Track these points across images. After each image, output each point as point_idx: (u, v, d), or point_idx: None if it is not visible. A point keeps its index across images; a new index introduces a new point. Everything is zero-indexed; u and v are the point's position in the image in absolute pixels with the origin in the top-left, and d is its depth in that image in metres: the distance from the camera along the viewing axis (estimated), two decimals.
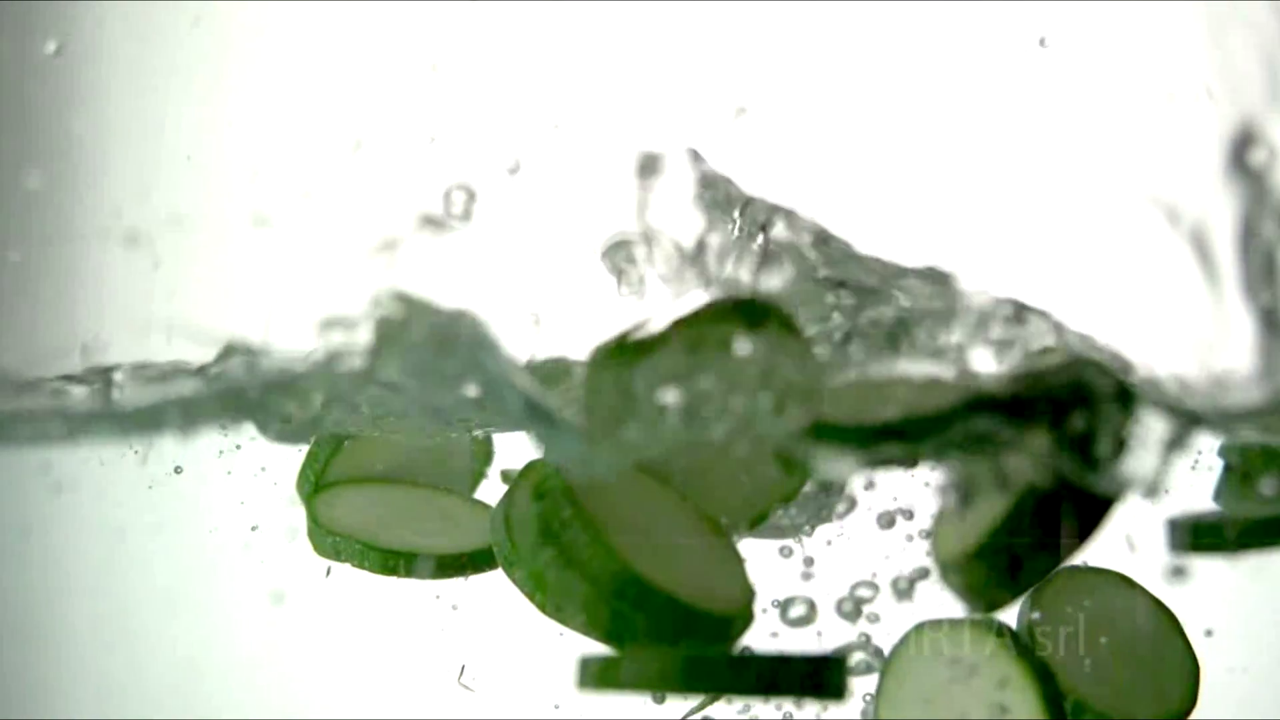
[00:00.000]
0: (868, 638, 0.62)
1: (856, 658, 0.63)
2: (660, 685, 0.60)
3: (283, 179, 0.64)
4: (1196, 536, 0.60)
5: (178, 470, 0.67)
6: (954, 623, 0.61)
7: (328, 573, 0.66)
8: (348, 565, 0.64)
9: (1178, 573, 0.59)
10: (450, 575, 0.65)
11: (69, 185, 0.66)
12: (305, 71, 0.65)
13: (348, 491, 0.66)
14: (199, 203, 0.66)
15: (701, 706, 0.63)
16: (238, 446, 0.66)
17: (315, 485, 0.66)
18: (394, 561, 0.64)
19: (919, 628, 0.61)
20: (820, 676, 0.60)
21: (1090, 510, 0.58)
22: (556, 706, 0.65)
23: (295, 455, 0.67)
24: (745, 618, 0.61)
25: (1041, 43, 0.63)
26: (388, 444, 0.67)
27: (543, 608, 0.60)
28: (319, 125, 0.65)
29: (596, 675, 0.59)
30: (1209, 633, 0.62)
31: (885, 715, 0.61)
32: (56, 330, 0.67)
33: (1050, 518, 0.58)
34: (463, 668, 0.65)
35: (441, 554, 0.64)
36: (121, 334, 0.66)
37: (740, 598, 0.61)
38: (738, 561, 0.62)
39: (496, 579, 0.64)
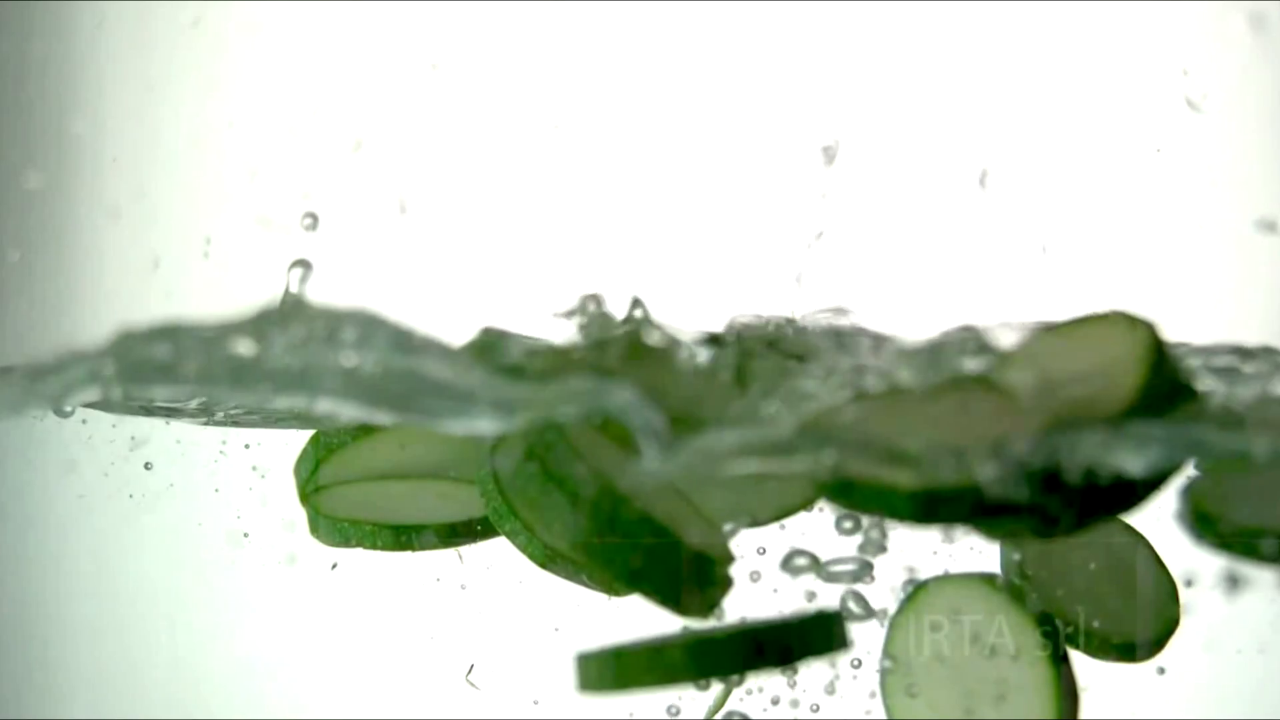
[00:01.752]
0: (859, 566, 0.63)
1: (849, 608, 0.63)
2: (664, 678, 0.60)
3: (283, 179, 0.65)
4: (1203, 527, 0.61)
5: (148, 466, 0.68)
6: (954, 578, 0.62)
7: (334, 566, 0.66)
8: (358, 549, 0.65)
9: (1233, 582, 0.61)
10: (462, 542, 0.65)
11: (69, 185, 0.66)
12: (305, 71, 0.65)
13: (346, 490, 0.66)
14: (198, 203, 0.66)
15: (715, 709, 0.63)
16: (247, 444, 0.67)
17: (313, 484, 0.66)
18: (406, 535, 0.65)
19: (922, 586, 0.62)
20: (823, 633, 0.60)
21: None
22: (536, 702, 0.65)
23: (287, 454, 0.67)
24: (724, 568, 0.61)
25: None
26: (383, 444, 0.67)
27: (536, 558, 0.61)
28: (319, 125, 0.65)
29: (597, 675, 0.59)
30: (1189, 583, 0.62)
31: (895, 673, 0.62)
32: (56, 330, 0.67)
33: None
34: (471, 666, 0.66)
35: (453, 522, 0.65)
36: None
37: (721, 547, 0.61)
38: (719, 527, 0.62)
39: (494, 576, 0.65)
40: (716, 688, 0.63)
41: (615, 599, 0.62)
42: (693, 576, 0.60)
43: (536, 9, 0.64)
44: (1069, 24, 0.64)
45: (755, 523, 0.62)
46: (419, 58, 0.64)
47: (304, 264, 0.61)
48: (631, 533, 0.59)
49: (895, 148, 0.64)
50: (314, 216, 0.63)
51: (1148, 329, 0.58)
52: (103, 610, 0.71)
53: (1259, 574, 0.61)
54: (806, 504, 0.62)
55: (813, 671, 0.62)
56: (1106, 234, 0.64)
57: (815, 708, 0.63)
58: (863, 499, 0.58)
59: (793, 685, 0.63)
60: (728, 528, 0.62)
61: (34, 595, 0.72)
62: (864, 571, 0.62)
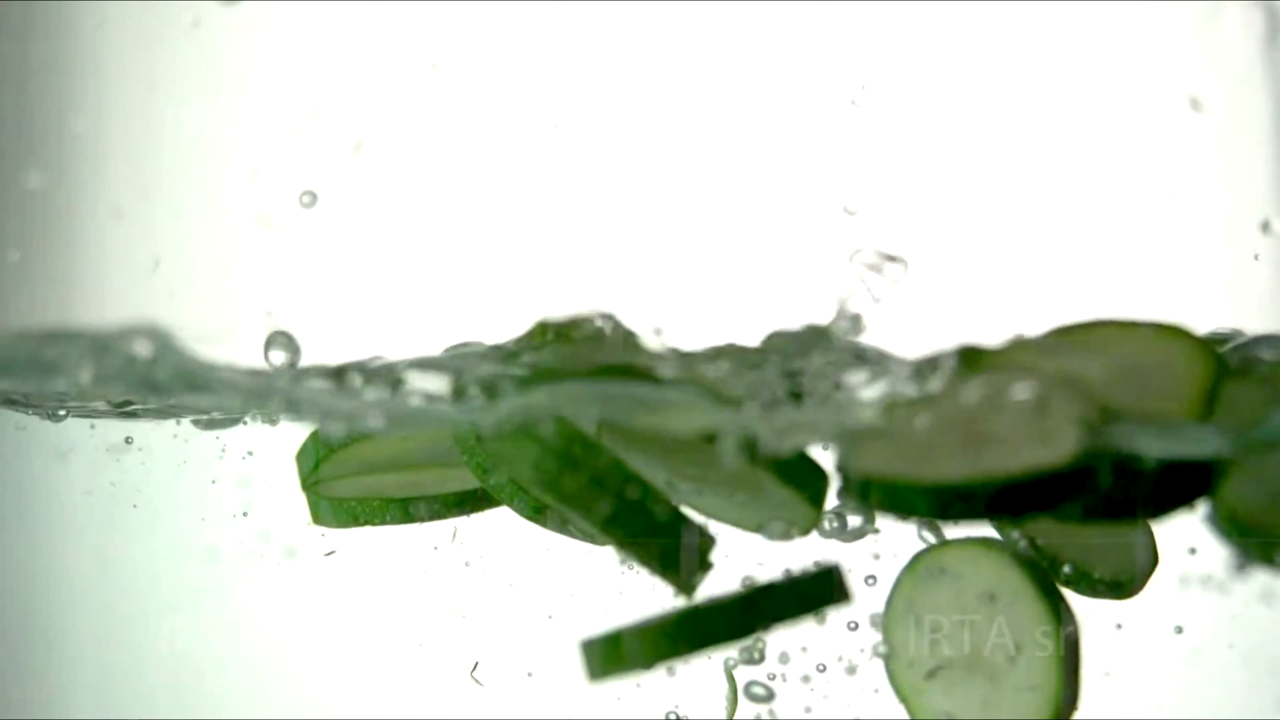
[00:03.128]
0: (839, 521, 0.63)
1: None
2: (669, 651, 0.60)
3: (283, 179, 0.65)
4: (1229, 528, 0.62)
5: (128, 440, 0.68)
6: (952, 542, 0.63)
7: (329, 554, 0.67)
8: (367, 527, 0.65)
9: (1240, 568, 0.62)
10: (468, 510, 0.65)
11: (69, 185, 0.66)
12: (305, 71, 0.65)
13: (345, 481, 0.66)
14: (199, 203, 0.66)
15: (733, 703, 0.63)
16: (245, 421, 0.67)
17: (314, 478, 0.67)
18: (415, 507, 0.65)
19: (925, 551, 0.63)
20: (822, 587, 0.61)
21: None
22: (530, 674, 0.65)
23: (281, 448, 0.67)
24: (706, 550, 0.61)
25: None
26: (386, 440, 0.67)
27: (524, 512, 0.62)
28: (319, 125, 0.65)
29: (603, 658, 0.59)
30: (1193, 550, 0.63)
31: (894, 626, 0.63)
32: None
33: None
34: (475, 664, 0.66)
35: (460, 491, 0.65)
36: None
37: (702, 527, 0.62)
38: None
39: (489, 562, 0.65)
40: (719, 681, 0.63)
41: (601, 558, 0.62)
42: (690, 543, 0.61)
43: (536, 9, 0.64)
44: (1069, 23, 0.64)
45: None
46: (419, 58, 0.65)
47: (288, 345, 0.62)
48: (602, 489, 0.60)
49: (892, 146, 0.64)
50: (313, 194, 0.63)
51: (1212, 359, 0.59)
52: (104, 609, 0.71)
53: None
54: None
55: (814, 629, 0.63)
56: (1106, 233, 0.64)
57: (822, 667, 0.63)
58: (880, 498, 0.58)
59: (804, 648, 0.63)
60: (685, 489, 0.62)
61: (34, 595, 0.72)
62: (867, 529, 0.63)
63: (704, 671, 0.64)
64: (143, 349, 0.61)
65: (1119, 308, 0.61)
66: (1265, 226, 0.64)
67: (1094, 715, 0.63)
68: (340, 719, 0.68)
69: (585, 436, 0.60)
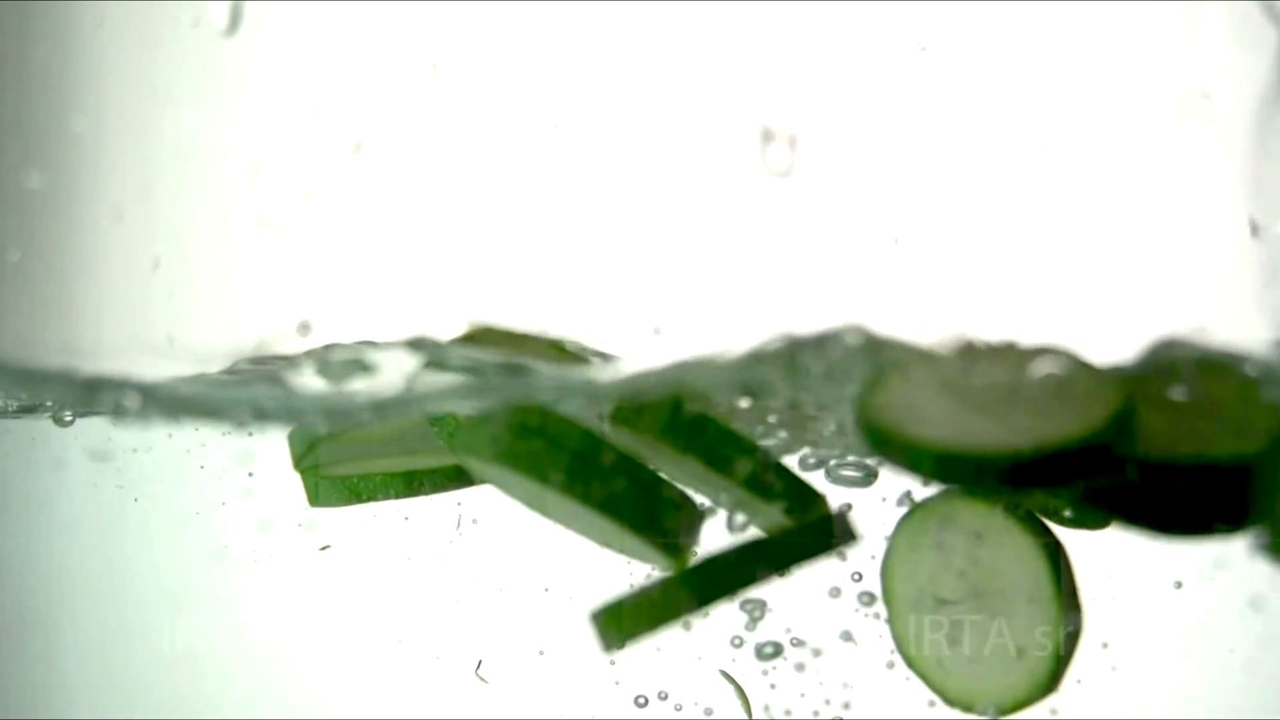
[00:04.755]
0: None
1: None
2: (679, 608, 0.60)
3: (283, 179, 0.65)
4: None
5: (100, 424, 0.68)
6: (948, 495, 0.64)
7: (324, 548, 0.67)
8: (370, 503, 0.65)
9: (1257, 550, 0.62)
10: (466, 485, 0.65)
11: (69, 185, 0.66)
12: (305, 71, 0.65)
13: (342, 466, 0.66)
14: (199, 203, 0.66)
15: (744, 701, 0.63)
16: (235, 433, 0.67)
17: (312, 460, 0.66)
18: (419, 480, 0.64)
19: (919, 507, 0.63)
20: (829, 531, 0.61)
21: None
22: (541, 652, 0.65)
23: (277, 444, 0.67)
24: (693, 520, 0.61)
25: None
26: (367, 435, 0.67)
27: (505, 486, 0.62)
28: (319, 125, 0.65)
29: (614, 627, 0.59)
30: None
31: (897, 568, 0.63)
32: (56, 330, 0.67)
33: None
34: (480, 662, 0.66)
35: (460, 464, 0.65)
36: (120, 334, 0.66)
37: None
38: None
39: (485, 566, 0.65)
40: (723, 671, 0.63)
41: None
42: (685, 513, 0.61)
43: (536, 9, 0.64)
44: (1067, 21, 0.64)
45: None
46: (419, 58, 0.65)
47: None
48: (561, 450, 0.60)
49: (888, 145, 0.64)
50: (307, 326, 0.63)
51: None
52: (103, 608, 0.71)
53: None
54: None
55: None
56: (1106, 232, 0.65)
57: (797, 643, 0.64)
58: (893, 450, 0.59)
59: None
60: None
61: (34, 594, 0.72)
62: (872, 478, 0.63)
63: (704, 665, 0.64)
64: (131, 402, 0.62)
65: (1113, 308, 0.62)
66: (1253, 229, 0.64)
67: (1092, 712, 0.63)
68: (342, 717, 0.68)
69: (544, 410, 0.60)
